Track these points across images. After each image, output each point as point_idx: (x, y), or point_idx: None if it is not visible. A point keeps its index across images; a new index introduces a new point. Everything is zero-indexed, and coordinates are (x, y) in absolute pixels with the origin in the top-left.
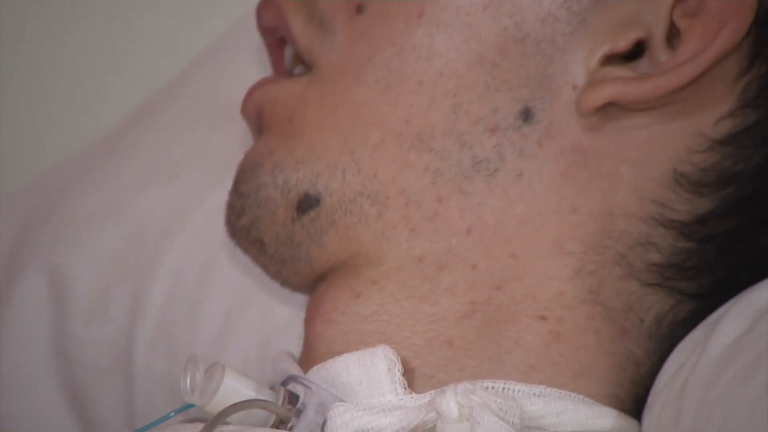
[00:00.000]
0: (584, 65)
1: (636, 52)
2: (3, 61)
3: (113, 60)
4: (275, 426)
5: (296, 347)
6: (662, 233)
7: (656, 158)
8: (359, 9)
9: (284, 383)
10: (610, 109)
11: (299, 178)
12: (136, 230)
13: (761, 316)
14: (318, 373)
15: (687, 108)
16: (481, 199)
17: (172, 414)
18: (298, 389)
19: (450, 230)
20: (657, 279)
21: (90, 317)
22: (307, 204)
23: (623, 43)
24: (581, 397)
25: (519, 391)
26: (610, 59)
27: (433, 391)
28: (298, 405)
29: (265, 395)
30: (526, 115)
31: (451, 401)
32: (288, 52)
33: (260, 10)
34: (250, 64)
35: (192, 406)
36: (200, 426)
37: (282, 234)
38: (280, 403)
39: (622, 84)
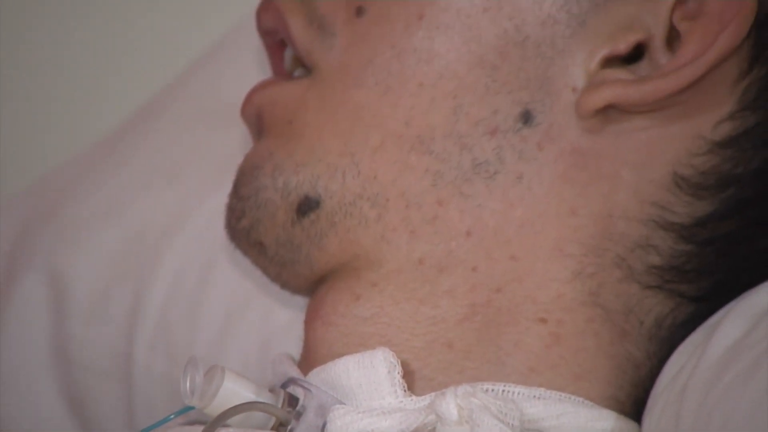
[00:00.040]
0: (584, 68)
1: (636, 54)
2: (3, 61)
3: (114, 60)
4: (275, 429)
5: (296, 349)
6: (662, 236)
7: (656, 161)
8: (359, 11)
9: (284, 386)
10: (609, 111)
11: (299, 181)
12: (136, 231)
13: (761, 318)
14: (318, 376)
15: (687, 110)
16: (481, 202)
17: (172, 416)
18: (297, 392)
19: (450, 233)
20: (657, 281)
21: (90, 318)
22: (307, 206)
23: (623, 45)
24: (581, 399)
25: (519, 393)
26: (610, 62)
27: (433, 394)
28: (297, 407)
29: (265, 398)
30: (526, 117)
31: (451, 404)
32: (288, 54)
33: (260, 12)
34: (250, 66)
35: (192, 408)
36: (200, 428)
37: (282, 236)
38: (279, 405)
39: (622, 86)
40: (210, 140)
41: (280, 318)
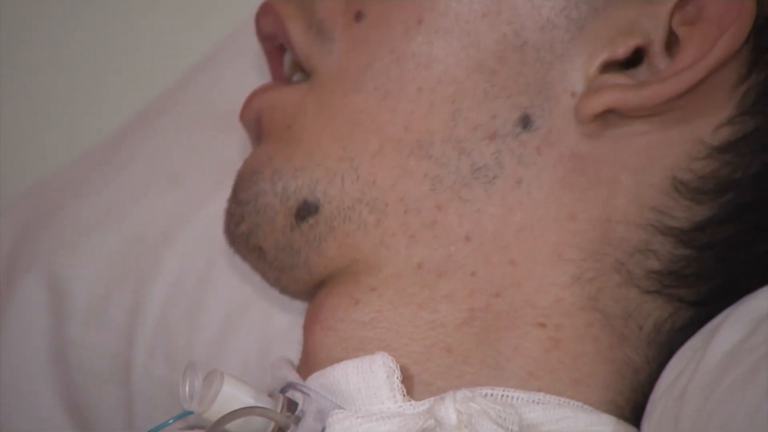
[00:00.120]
0: (583, 72)
1: (635, 59)
2: (3, 62)
3: (114, 61)
4: None
5: (295, 354)
6: (661, 240)
7: (655, 165)
8: (358, 16)
9: (283, 390)
10: (609, 116)
11: (298, 185)
12: (136, 235)
13: (760, 323)
14: (317, 380)
15: (686, 115)
16: (480, 206)
17: (171, 421)
18: (297, 396)
19: (449, 237)
20: (656, 286)
21: (89, 321)
22: (305, 211)
23: (622, 50)
24: (580, 404)
25: (518, 398)
26: (609, 66)
27: (432, 399)
28: (296, 412)
29: (264, 402)
30: (525, 122)
31: (450, 408)
32: (287, 59)
33: (259, 17)
34: (250, 70)
35: (191, 413)
36: None
37: (281, 241)
38: (278, 410)
39: (621, 91)
40: (209, 144)
41: (280, 322)
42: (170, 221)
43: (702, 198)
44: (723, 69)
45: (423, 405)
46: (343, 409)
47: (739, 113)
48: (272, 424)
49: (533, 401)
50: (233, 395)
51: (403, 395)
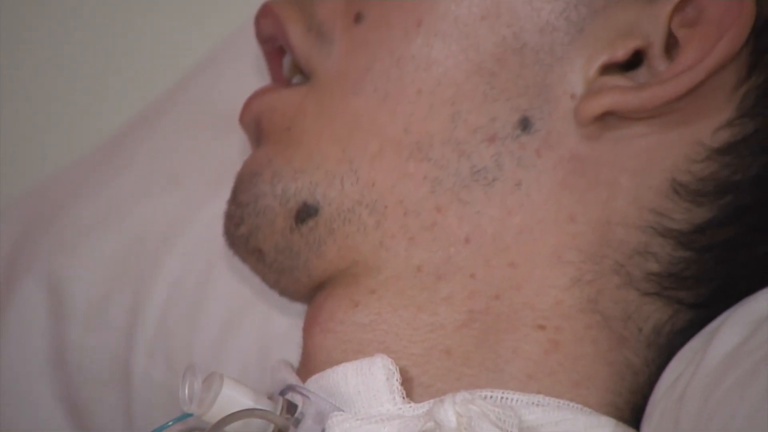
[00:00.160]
0: (583, 74)
1: (634, 61)
2: (3, 62)
3: (114, 62)
4: None
5: (295, 356)
6: (661, 242)
7: (655, 167)
8: (358, 18)
9: (282, 393)
10: (608, 118)
11: (298, 188)
12: (135, 238)
13: (759, 325)
14: (316, 383)
15: (685, 117)
16: (480, 209)
17: (171, 423)
18: (296, 399)
19: (448, 239)
20: (655, 288)
21: (88, 325)
22: (305, 213)
23: (622, 52)
24: (579, 406)
25: (517, 400)
26: (609, 68)
27: (431, 401)
28: (296, 414)
29: (264, 405)
30: (525, 124)
31: (449, 411)
32: (286, 61)
33: (259, 19)
34: (249, 72)
35: (190, 415)
36: None
37: (281, 243)
38: (278, 412)
39: (621, 93)
40: (209, 146)
41: (279, 325)
42: (170, 223)
43: (701, 200)
44: (722, 71)
45: (422, 407)
46: (343, 411)
47: (738, 115)
48: (272, 427)
49: (533, 403)
50: (233, 397)
51: (403, 397)
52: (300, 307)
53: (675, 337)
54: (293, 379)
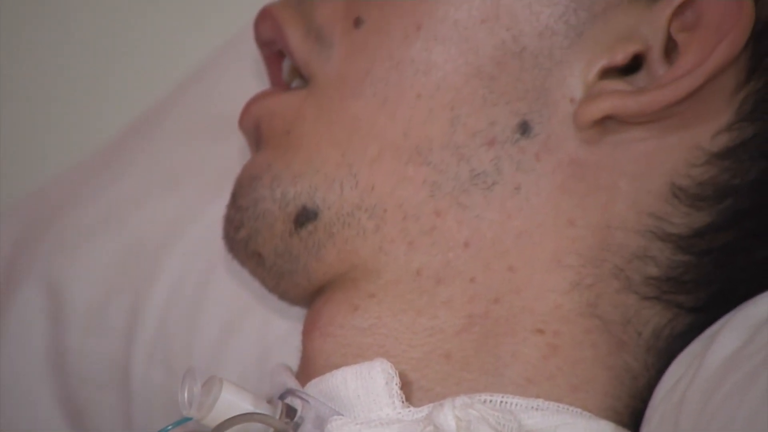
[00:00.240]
0: (582, 79)
1: (634, 65)
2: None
3: (115, 63)
4: None
5: (294, 360)
6: (660, 246)
7: (654, 172)
8: (357, 22)
9: (282, 397)
10: (607, 122)
11: (297, 192)
12: (134, 242)
13: (759, 329)
14: (316, 387)
15: (685, 121)
16: (479, 213)
17: (170, 427)
18: (295, 403)
19: (448, 244)
20: (655, 292)
21: (87, 329)
22: (304, 217)
23: (621, 56)
24: (579, 410)
25: (517, 404)
26: (608, 73)
27: (431, 405)
28: (295, 418)
29: (263, 409)
30: (524, 128)
31: (448, 415)
32: (286, 65)
33: (258, 23)
34: (248, 77)
35: (189, 419)
36: None
37: (280, 247)
38: (277, 416)
39: (620, 97)
40: (208, 150)
41: (278, 329)
42: (169, 227)
43: (701, 204)
44: (722, 75)
45: (422, 411)
46: (342, 415)
47: (737, 119)
48: (271, 431)
49: (532, 407)
50: (232, 401)
51: (402, 401)
52: (299, 311)
53: (674, 341)
54: (293, 383)
